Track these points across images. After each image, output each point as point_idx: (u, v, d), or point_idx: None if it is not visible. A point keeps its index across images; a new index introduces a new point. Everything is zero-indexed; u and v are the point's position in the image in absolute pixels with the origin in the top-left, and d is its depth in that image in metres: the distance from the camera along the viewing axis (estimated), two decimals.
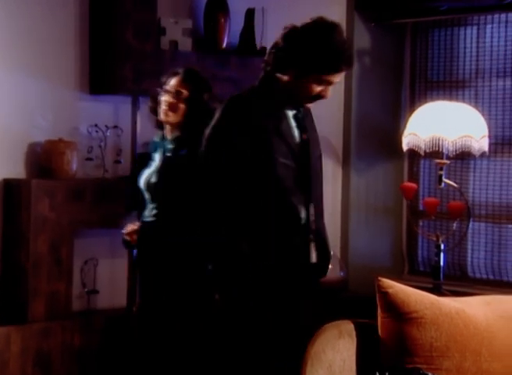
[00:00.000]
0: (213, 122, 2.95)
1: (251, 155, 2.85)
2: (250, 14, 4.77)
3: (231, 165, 2.86)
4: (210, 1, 4.69)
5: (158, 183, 3.68)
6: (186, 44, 4.62)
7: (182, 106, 3.68)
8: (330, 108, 5.13)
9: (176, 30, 4.61)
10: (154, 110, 3.78)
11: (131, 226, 3.72)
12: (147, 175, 3.73)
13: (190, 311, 3.61)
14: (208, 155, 2.92)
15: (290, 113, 2.98)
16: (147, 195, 3.71)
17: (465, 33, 5.04)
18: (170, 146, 3.71)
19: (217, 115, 2.96)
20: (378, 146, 5.24)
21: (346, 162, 5.20)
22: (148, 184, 3.71)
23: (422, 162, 5.16)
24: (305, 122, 3.03)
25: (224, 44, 4.69)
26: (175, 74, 3.76)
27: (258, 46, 4.76)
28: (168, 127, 3.74)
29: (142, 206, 3.74)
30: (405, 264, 5.31)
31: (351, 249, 5.19)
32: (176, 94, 3.69)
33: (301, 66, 2.89)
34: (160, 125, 3.79)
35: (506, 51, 4.85)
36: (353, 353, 3.01)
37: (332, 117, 5.15)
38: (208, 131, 2.96)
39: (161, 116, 3.71)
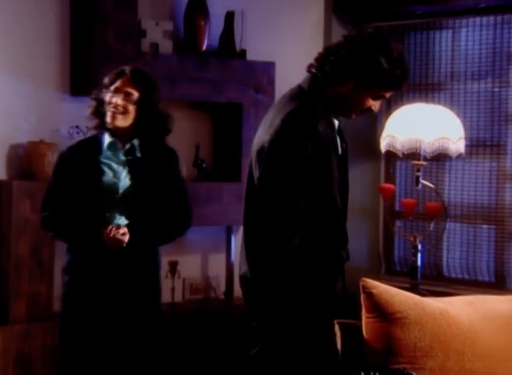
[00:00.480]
0: (279, 135, 2.71)
1: (316, 168, 2.71)
2: (229, 17, 4.81)
3: (300, 177, 2.68)
4: (190, 4, 4.72)
5: (134, 192, 3.49)
6: (166, 46, 4.65)
7: (132, 109, 3.48)
8: None
9: (157, 33, 4.64)
10: (97, 112, 3.55)
11: (119, 228, 3.45)
12: (112, 182, 3.49)
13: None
14: (279, 169, 2.68)
15: (336, 124, 2.86)
16: (113, 204, 3.48)
17: (440, 37, 5.11)
18: (123, 154, 3.52)
19: (282, 127, 2.72)
20: (356, 148, 5.25)
21: None
22: (121, 193, 3.49)
23: (399, 163, 5.22)
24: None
25: (204, 47, 4.72)
26: (121, 74, 3.54)
27: (238, 48, 4.80)
28: (115, 132, 3.51)
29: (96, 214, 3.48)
30: (382, 264, 5.37)
31: None
32: (126, 95, 3.48)
33: (366, 79, 2.75)
34: (101, 128, 3.55)
35: (480, 54, 4.92)
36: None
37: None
38: (270, 144, 2.72)
39: (109, 120, 3.48)
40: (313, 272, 2.76)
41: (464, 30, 5.01)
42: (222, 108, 4.84)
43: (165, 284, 4.70)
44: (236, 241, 4.94)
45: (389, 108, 5.26)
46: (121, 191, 3.49)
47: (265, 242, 2.68)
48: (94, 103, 3.57)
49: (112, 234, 3.41)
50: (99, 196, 3.47)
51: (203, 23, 4.71)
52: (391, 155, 4.86)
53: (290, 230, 2.67)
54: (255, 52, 4.85)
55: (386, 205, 5.11)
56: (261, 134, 2.80)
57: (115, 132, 3.52)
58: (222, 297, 4.93)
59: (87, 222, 3.48)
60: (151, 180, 3.53)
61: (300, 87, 2.86)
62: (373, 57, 2.73)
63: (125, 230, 3.43)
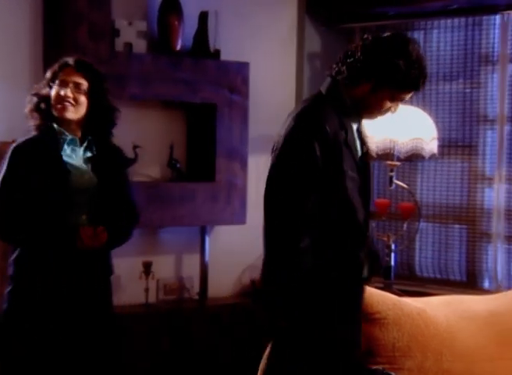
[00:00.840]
0: (288, 135, 2.79)
1: (324, 168, 2.73)
2: (203, 17, 4.80)
3: (308, 177, 2.71)
4: (164, 4, 4.70)
5: (98, 192, 3.37)
6: (140, 45, 4.63)
7: (84, 100, 3.33)
8: (281, 110, 5.16)
9: (131, 32, 4.61)
10: (38, 109, 3.37)
11: (98, 228, 3.32)
12: (80, 181, 3.34)
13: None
14: (287, 169, 2.74)
15: (354, 126, 2.88)
16: (79, 200, 3.33)
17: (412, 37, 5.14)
18: (79, 148, 3.38)
19: (291, 128, 2.79)
20: None
21: None
22: (86, 187, 3.35)
23: (372, 164, 5.23)
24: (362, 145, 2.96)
25: (178, 47, 4.70)
26: (64, 65, 3.39)
27: (212, 48, 4.79)
28: (65, 125, 3.35)
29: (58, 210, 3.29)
30: None
31: None
32: (75, 86, 3.33)
33: (382, 81, 2.78)
34: (44, 125, 3.36)
35: (452, 55, 4.96)
36: None
37: (282, 120, 5.18)
38: (281, 144, 2.79)
39: (58, 113, 3.31)
40: (324, 273, 2.75)
41: (435, 31, 5.05)
42: (196, 109, 4.84)
43: (139, 285, 4.70)
44: (210, 242, 4.93)
45: None
46: (87, 190, 3.35)
47: (275, 243, 2.70)
48: (35, 99, 3.39)
49: (93, 234, 3.27)
50: (66, 195, 3.29)
51: (177, 23, 4.70)
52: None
53: (299, 229, 2.68)
54: (229, 52, 4.85)
55: None
56: (279, 132, 2.88)
57: (62, 127, 3.35)
58: (196, 297, 4.92)
59: (55, 221, 3.28)
60: (109, 179, 3.42)
61: (319, 90, 2.92)
62: (389, 59, 2.75)
63: (102, 229, 3.31)
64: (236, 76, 4.81)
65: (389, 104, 2.84)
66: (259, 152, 4.98)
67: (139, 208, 3.59)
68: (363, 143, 2.91)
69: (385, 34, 2.88)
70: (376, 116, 2.90)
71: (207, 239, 4.91)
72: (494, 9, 4.73)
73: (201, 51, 4.78)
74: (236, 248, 4.99)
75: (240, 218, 4.83)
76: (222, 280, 5.01)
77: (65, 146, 3.36)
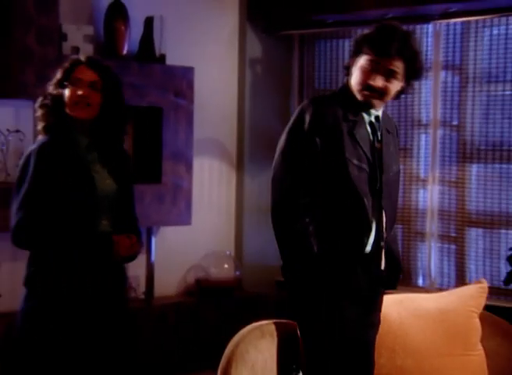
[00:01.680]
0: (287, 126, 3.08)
1: (325, 155, 2.95)
2: (149, 22, 4.89)
3: (306, 163, 2.98)
4: (110, 9, 4.78)
5: (119, 197, 3.24)
6: (87, 50, 4.68)
7: (98, 98, 3.20)
8: (224, 113, 5.33)
9: (78, 36, 4.67)
10: (52, 109, 3.21)
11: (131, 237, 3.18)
12: (104, 186, 3.20)
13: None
14: (284, 155, 3.07)
15: (367, 118, 3.04)
16: (101, 205, 3.18)
17: (350, 45, 5.30)
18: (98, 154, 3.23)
19: (295, 115, 3.07)
20: (270, 151, 5.45)
21: (239, 166, 5.39)
22: (108, 192, 3.21)
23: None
24: (385, 137, 3.09)
25: (124, 51, 4.78)
26: (76, 63, 3.24)
27: (157, 53, 4.88)
28: (78, 126, 3.21)
29: (84, 218, 3.15)
30: None
31: (245, 249, 5.41)
32: (89, 84, 3.19)
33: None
34: (54, 128, 3.21)
35: None
36: (275, 353, 3.20)
37: (226, 123, 5.34)
38: (285, 130, 3.08)
39: (74, 113, 3.17)
40: (324, 255, 2.94)
41: None
42: (143, 112, 4.92)
43: None
44: (157, 242, 5.03)
45: None
46: (108, 195, 3.21)
47: (275, 224, 3.09)
48: (46, 100, 3.22)
49: (130, 245, 3.14)
50: (93, 201, 3.15)
51: (123, 27, 4.78)
52: None
53: (297, 186, 2.98)
54: (174, 57, 4.95)
55: None
56: None
57: (75, 128, 3.20)
58: (142, 297, 5.01)
59: (85, 228, 3.12)
60: (125, 185, 3.31)
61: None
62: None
63: (136, 239, 3.19)
64: (181, 81, 4.91)
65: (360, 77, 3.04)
66: (204, 155, 5.11)
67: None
68: (377, 139, 3.04)
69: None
70: (364, 94, 3.04)
71: (153, 239, 5.00)
72: (427, 18, 4.93)
73: (147, 55, 4.87)
74: (181, 249, 5.10)
75: (185, 219, 4.94)
76: (167, 280, 5.11)
77: (85, 149, 3.22)
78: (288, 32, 5.44)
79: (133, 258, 3.28)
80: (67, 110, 3.18)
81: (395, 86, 3.03)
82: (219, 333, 4.66)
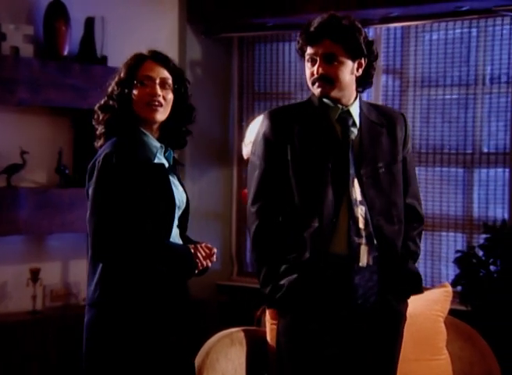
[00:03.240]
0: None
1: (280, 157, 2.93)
2: (89, 22, 4.80)
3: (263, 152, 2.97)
4: (50, 9, 4.67)
5: (187, 201, 2.92)
6: (27, 50, 4.58)
7: (171, 97, 2.84)
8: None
9: (17, 37, 4.55)
10: (119, 111, 2.82)
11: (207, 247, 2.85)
12: (176, 191, 2.85)
13: None
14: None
15: (335, 114, 2.94)
16: (177, 215, 2.85)
17: (290, 48, 5.36)
18: (163, 156, 2.87)
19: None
20: (210, 154, 5.45)
21: (181, 170, 5.32)
22: (181, 202, 2.87)
23: None
24: (369, 129, 2.98)
25: (65, 52, 4.68)
26: (142, 58, 2.89)
27: (99, 54, 4.80)
28: (148, 129, 2.84)
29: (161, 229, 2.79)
30: (234, 266, 5.55)
31: None
32: (160, 82, 2.83)
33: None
34: (120, 130, 2.81)
35: None
36: (244, 361, 3.17)
37: None
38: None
39: (147, 115, 2.80)
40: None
41: None
42: (85, 114, 4.81)
43: (27, 292, 4.64)
44: None
45: (240, 115, 5.48)
46: (183, 205, 2.88)
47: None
48: (112, 103, 2.85)
49: (211, 254, 2.82)
50: (172, 212, 2.80)
51: (63, 28, 4.67)
52: (243, 162, 4.98)
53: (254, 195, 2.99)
54: (116, 58, 4.80)
55: (238, 210, 5.29)
56: None
57: (144, 130, 2.83)
58: (83, 303, 4.90)
59: (163, 241, 2.78)
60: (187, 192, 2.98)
61: None
62: None
63: (214, 249, 2.86)
64: None
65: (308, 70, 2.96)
66: None
67: None
68: (348, 132, 2.92)
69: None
70: (317, 86, 2.94)
71: None
72: (367, 23, 4.96)
73: (88, 56, 4.78)
74: None
75: None
76: None
77: (158, 155, 2.84)
78: (227, 35, 5.42)
79: (205, 271, 2.89)
80: (137, 112, 2.82)
81: (341, 69, 2.89)
82: None
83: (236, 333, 3.22)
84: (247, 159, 4.81)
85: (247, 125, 4.75)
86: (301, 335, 2.83)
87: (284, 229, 2.91)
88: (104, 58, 4.83)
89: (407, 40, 4.99)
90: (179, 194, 2.85)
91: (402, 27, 4.97)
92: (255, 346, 3.21)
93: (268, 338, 3.20)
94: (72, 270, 4.91)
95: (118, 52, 4.89)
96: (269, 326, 3.22)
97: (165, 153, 2.87)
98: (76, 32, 4.75)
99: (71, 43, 4.71)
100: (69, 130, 4.85)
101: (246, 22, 5.32)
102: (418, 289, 2.96)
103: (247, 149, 4.73)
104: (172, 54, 5.19)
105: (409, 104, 4.95)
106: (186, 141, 2.98)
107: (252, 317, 4.63)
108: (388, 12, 4.88)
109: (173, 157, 2.93)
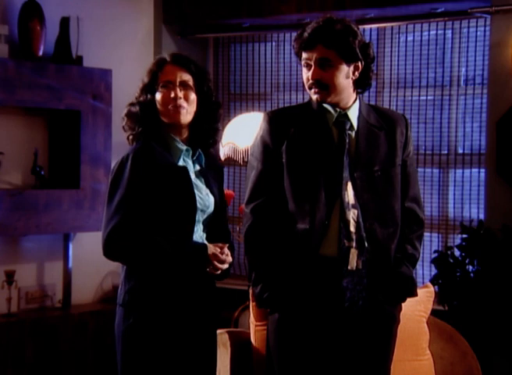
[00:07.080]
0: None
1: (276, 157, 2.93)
2: (65, 22, 4.76)
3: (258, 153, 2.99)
4: (24, 8, 4.63)
5: (216, 205, 2.96)
6: (2, 50, 4.55)
7: (194, 98, 2.88)
8: None
9: None
10: (143, 116, 2.88)
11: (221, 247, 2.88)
12: (200, 194, 2.90)
13: None
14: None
15: (332, 117, 2.94)
16: (200, 218, 2.90)
17: (265, 49, 5.36)
18: (190, 159, 2.91)
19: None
20: None
21: None
22: (206, 206, 2.92)
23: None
24: (368, 133, 2.97)
25: (40, 52, 4.65)
26: (162, 62, 2.92)
27: (74, 54, 4.76)
28: (174, 132, 2.90)
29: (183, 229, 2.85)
30: None
31: None
32: (182, 84, 2.87)
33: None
34: (145, 134, 2.87)
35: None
36: (228, 363, 3.17)
37: None
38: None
39: (170, 118, 2.86)
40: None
41: (287, 43, 5.27)
42: (60, 115, 4.79)
43: (2, 294, 4.60)
44: (74, 248, 4.90)
45: None
46: (208, 208, 2.93)
47: None
48: (135, 109, 2.92)
49: (224, 255, 2.85)
50: (193, 216, 2.86)
51: (38, 27, 4.64)
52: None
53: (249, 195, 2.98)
54: (92, 59, 4.85)
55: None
56: None
57: (169, 134, 2.89)
58: (59, 305, 4.88)
59: (181, 242, 2.83)
60: (220, 196, 3.02)
61: None
62: None
63: (227, 250, 2.88)
64: (99, 83, 4.81)
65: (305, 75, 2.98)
66: None
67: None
68: (344, 135, 2.92)
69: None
70: (313, 92, 2.94)
71: (70, 246, 4.87)
72: None
73: (64, 57, 4.75)
74: (98, 255, 4.94)
75: None
76: (83, 287, 4.99)
77: (182, 158, 2.90)
78: (203, 35, 5.42)
79: (226, 274, 2.93)
80: (162, 116, 2.88)
81: (335, 74, 2.89)
82: None
83: (221, 335, 3.21)
84: (225, 159, 4.84)
85: (224, 126, 4.74)
86: (290, 335, 2.84)
87: (277, 229, 2.92)
88: (80, 59, 4.79)
89: (382, 41, 5.01)
90: (203, 197, 2.89)
91: (377, 29, 4.99)
92: (239, 348, 3.21)
93: (253, 340, 3.20)
94: (47, 272, 4.87)
95: (93, 53, 4.90)
96: (253, 327, 3.22)
97: (193, 156, 2.92)
98: (52, 32, 4.72)
99: (46, 43, 4.68)
100: (45, 131, 4.82)
101: (221, 22, 5.32)
102: (411, 292, 2.97)
103: (225, 149, 4.73)
104: (148, 54, 5.29)
105: (384, 105, 4.97)
106: (216, 140, 3.02)
107: (230, 319, 4.64)
108: (364, 13, 4.90)
109: (214, 158, 3.05)
